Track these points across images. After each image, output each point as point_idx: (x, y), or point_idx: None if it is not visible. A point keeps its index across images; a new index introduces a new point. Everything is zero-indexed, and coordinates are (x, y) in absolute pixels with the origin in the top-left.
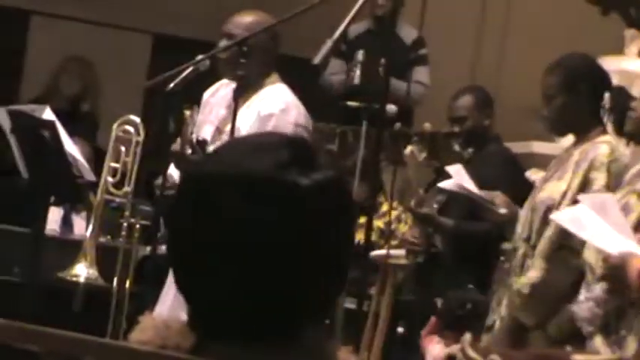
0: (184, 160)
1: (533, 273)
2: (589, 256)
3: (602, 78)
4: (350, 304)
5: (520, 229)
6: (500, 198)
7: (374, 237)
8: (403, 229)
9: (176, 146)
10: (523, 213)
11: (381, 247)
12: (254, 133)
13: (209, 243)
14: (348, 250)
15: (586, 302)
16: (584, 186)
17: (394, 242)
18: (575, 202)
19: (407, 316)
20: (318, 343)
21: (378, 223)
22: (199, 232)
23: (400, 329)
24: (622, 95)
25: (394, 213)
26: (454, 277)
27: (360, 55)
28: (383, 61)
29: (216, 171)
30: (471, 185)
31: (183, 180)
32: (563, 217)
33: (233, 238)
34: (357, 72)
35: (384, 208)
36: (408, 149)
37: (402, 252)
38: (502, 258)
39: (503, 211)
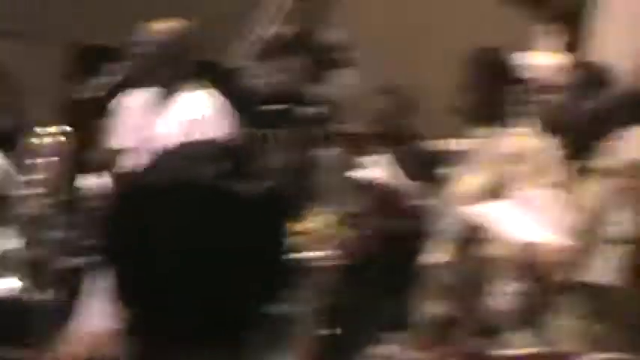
0: (111, 169)
1: (438, 255)
2: (503, 249)
3: (513, 71)
4: (278, 308)
5: (440, 224)
6: (414, 189)
7: (303, 240)
8: (331, 232)
9: (99, 155)
10: (441, 208)
11: (308, 251)
12: (190, 140)
13: (153, 252)
14: (287, 256)
15: (503, 296)
16: (504, 178)
17: (322, 245)
18: (493, 194)
19: (336, 318)
20: (258, 349)
21: (308, 226)
22: (143, 241)
23: (330, 331)
24: (533, 87)
25: (324, 217)
26: (383, 279)
27: (287, 61)
28: (304, 64)
29: (160, 181)
30: (389, 177)
31: (123, 189)
32: (481, 211)
33: (178, 247)
34: (285, 77)
35: (314, 211)
36: (327, 150)
37: (329, 254)
38: (425, 254)
39: (420, 202)
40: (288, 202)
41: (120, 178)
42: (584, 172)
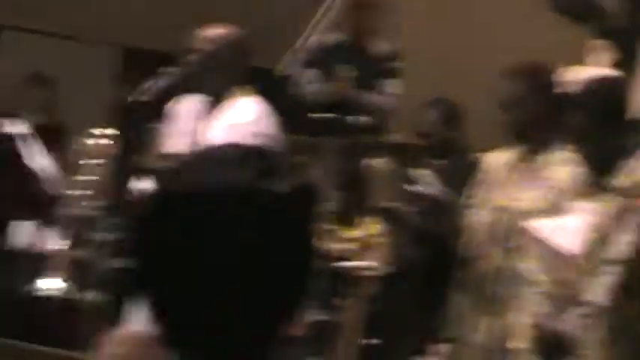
0: (158, 173)
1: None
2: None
3: (560, 86)
4: (321, 315)
5: (484, 235)
6: (460, 201)
7: (352, 247)
8: (379, 240)
9: (149, 159)
10: (483, 219)
11: (356, 259)
12: (218, 145)
13: (195, 258)
14: (316, 256)
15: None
16: (551, 197)
17: (368, 254)
18: (542, 212)
19: (379, 328)
20: (286, 355)
21: (356, 234)
22: (184, 248)
23: (372, 341)
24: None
25: (375, 226)
26: (422, 287)
27: (341, 69)
28: (355, 74)
29: (199, 186)
30: (437, 189)
31: (163, 196)
32: (547, 225)
33: (221, 252)
34: (340, 85)
35: (365, 220)
36: (376, 160)
37: (373, 263)
38: (464, 265)
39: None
40: (318, 199)
41: (166, 185)
42: (599, 189)
